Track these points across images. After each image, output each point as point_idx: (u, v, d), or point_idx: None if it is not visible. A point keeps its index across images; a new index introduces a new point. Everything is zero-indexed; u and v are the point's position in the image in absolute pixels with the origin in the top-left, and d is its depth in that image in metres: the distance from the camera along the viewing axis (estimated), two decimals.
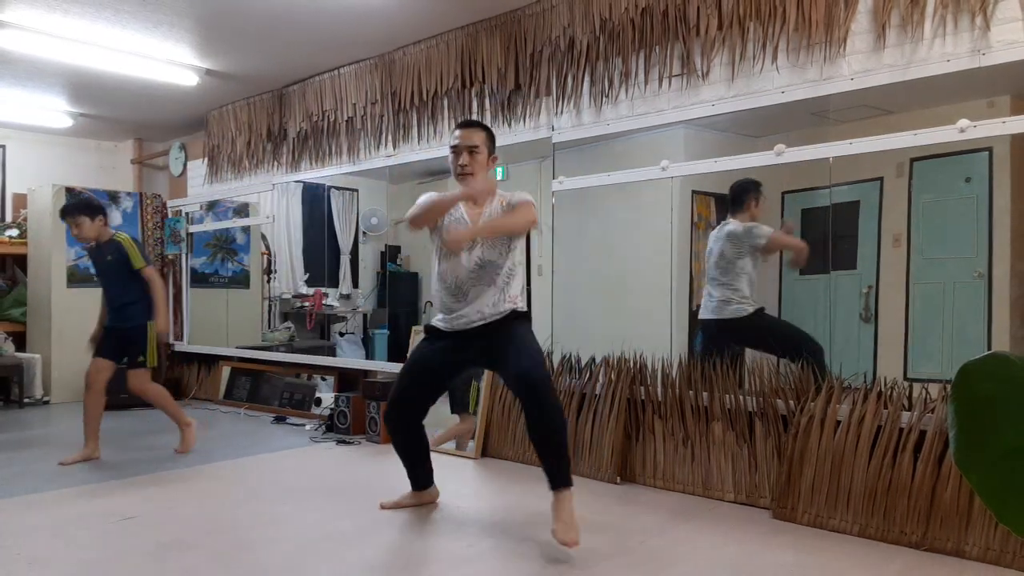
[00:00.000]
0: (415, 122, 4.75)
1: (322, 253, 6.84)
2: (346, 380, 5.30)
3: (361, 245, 7.06)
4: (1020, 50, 2.62)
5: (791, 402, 3.10)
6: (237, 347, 6.28)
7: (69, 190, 6.19)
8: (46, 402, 6.10)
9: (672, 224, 3.95)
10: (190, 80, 5.27)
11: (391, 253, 7.17)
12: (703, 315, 3.79)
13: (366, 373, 5.06)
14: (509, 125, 4.18)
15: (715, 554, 2.60)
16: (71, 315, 6.03)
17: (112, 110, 6.36)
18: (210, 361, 6.39)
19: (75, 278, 6.21)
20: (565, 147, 4.01)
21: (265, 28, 4.45)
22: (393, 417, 3.02)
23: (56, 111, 6.35)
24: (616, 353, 3.69)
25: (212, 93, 5.75)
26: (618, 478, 3.53)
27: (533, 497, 3.06)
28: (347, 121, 5.16)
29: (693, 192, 4.09)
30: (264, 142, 5.83)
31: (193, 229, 6.68)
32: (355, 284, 7.03)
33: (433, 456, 3.19)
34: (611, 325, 4.37)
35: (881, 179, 3.70)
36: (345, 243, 6.95)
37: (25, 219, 6.64)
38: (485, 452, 4.09)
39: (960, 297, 3.45)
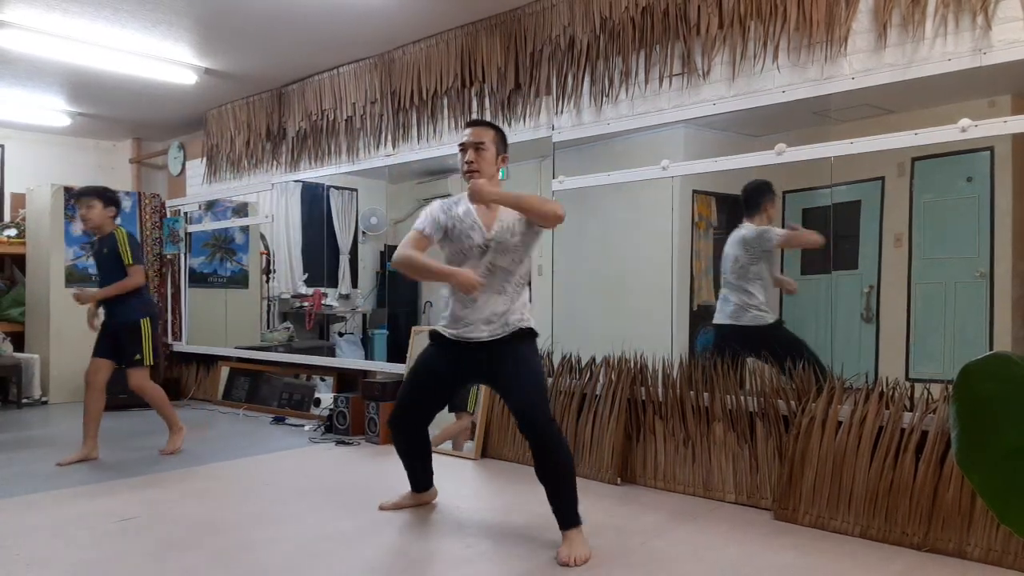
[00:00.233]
0: (415, 122, 4.74)
1: (321, 253, 6.82)
2: (345, 380, 5.29)
3: (360, 245, 7.04)
4: (1021, 49, 2.61)
5: (792, 403, 3.09)
6: (236, 347, 6.27)
7: (68, 190, 6.18)
8: (44, 402, 6.09)
9: (672, 224, 3.94)
10: (189, 79, 5.26)
11: (390, 253, 7.11)
12: (719, 319, 3.75)
13: (365, 373, 5.05)
14: (509, 124, 4.17)
15: (716, 555, 2.60)
16: (70, 315, 5.98)
17: (111, 109, 6.35)
18: (209, 361, 6.38)
19: (74, 278, 6.20)
20: (565, 146, 4.00)
21: (264, 27, 4.44)
22: (399, 421, 3.01)
23: (55, 110, 6.35)
24: (616, 353, 3.69)
25: (211, 92, 5.74)
26: (619, 479, 3.53)
27: (533, 497, 3.04)
28: (346, 120, 5.15)
29: (694, 192, 4.08)
30: (263, 141, 5.82)
31: (192, 229, 6.67)
32: (354, 284, 7.02)
33: (433, 457, 3.19)
34: (611, 325, 4.36)
35: (882, 179, 3.69)
36: (344, 243, 6.93)
37: (23, 219, 6.63)
38: (485, 453, 4.08)
39: (962, 297, 3.44)
